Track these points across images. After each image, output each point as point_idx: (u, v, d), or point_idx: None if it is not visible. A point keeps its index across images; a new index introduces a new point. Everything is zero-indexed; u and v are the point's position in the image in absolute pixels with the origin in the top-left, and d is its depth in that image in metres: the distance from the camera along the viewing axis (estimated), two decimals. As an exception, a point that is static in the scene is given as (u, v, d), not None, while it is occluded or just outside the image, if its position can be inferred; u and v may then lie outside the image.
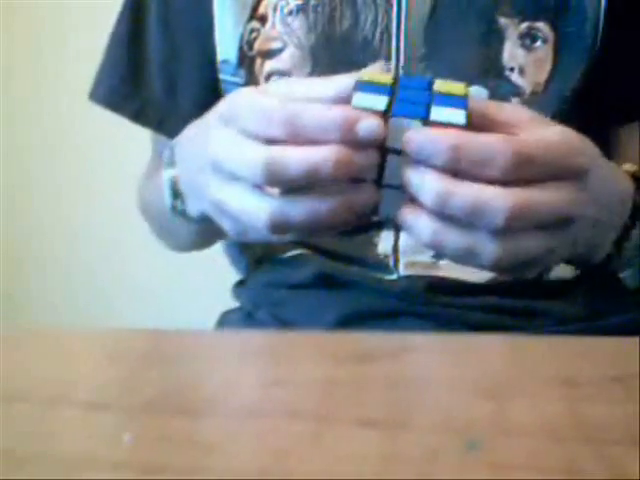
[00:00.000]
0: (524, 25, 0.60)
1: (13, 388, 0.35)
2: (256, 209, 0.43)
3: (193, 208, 0.54)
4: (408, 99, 0.42)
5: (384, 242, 0.62)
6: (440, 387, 0.34)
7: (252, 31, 0.64)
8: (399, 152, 0.42)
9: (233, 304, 0.74)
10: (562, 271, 0.62)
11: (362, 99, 0.42)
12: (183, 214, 0.55)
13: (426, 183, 0.41)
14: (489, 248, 0.42)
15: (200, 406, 0.32)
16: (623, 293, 0.67)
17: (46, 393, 0.34)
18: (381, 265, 0.63)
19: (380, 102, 0.41)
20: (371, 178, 0.43)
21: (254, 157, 0.42)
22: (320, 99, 0.43)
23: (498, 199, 0.40)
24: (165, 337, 0.45)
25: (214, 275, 0.93)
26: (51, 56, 1.24)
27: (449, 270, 0.62)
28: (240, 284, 0.73)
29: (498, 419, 0.29)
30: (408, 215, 0.43)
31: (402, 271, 0.62)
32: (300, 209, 0.43)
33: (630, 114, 0.65)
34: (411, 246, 0.62)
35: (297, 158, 0.41)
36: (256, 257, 0.71)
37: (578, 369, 0.35)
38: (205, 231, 0.60)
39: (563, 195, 0.42)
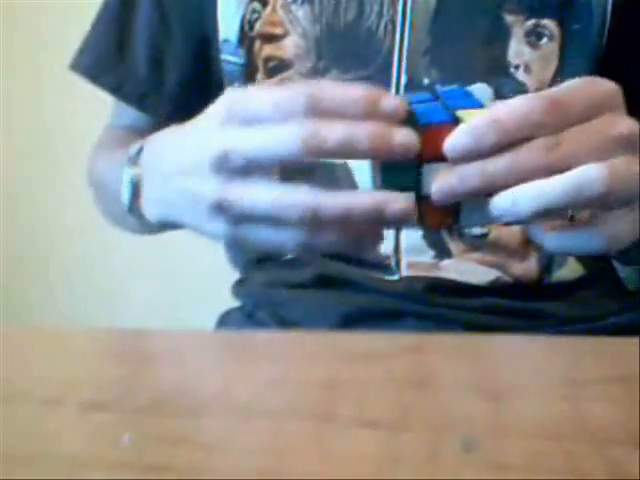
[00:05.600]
0: (530, 22, 0.60)
1: (13, 388, 0.35)
2: (288, 199, 0.41)
3: (152, 214, 0.51)
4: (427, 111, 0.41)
5: (386, 242, 0.62)
6: (440, 387, 0.34)
7: (254, 12, 0.64)
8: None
9: (233, 304, 0.73)
10: (564, 273, 0.62)
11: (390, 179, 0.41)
12: (140, 217, 0.53)
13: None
14: None
15: (200, 406, 0.32)
16: (623, 294, 0.67)
17: (46, 393, 0.34)
18: (382, 265, 0.62)
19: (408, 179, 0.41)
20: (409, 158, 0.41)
21: (289, 135, 0.40)
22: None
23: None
24: (165, 337, 0.45)
25: (214, 275, 0.93)
26: (51, 56, 1.24)
27: (450, 271, 0.61)
28: (240, 283, 0.73)
29: (498, 419, 0.29)
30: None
31: (403, 272, 0.62)
32: (333, 205, 0.40)
33: (636, 113, 0.65)
34: (413, 247, 0.61)
35: (336, 131, 0.39)
36: (256, 256, 0.71)
37: (578, 369, 0.35)
38: (159, 229, 0.59)
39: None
